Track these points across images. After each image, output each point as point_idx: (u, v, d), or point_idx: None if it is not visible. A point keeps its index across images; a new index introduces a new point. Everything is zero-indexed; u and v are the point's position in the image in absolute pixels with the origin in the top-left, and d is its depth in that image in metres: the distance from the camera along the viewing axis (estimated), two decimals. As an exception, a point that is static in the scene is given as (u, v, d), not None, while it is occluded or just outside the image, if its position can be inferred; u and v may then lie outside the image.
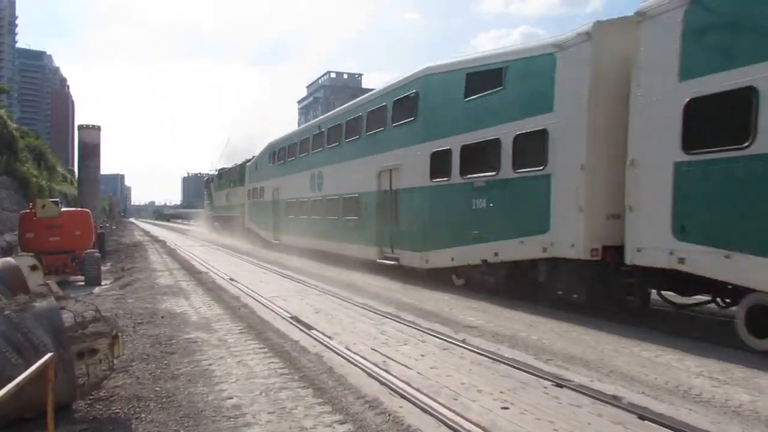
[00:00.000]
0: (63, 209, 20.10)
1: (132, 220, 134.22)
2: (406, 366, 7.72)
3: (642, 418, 5.78)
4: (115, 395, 6.50)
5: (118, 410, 6.08)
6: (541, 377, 7.16)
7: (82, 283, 17.33)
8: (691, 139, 8.96)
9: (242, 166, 42.02)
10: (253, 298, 13.71)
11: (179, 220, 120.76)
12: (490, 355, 8.21)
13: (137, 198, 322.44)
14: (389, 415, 5.86)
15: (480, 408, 6.09)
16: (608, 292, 10.99)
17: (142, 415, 5.94)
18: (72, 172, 74.67)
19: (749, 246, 8.18)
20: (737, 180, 8.37)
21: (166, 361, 8.01)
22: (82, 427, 5.65)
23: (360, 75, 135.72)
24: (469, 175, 14.17)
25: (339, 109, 25.17)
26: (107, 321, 6.50)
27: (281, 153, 30.81)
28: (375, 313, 11.74)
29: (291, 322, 10.74)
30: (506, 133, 12.79)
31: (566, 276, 11.46)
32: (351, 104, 23.00)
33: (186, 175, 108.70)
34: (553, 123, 11.50)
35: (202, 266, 22.29)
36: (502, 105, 13.04)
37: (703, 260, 8.76)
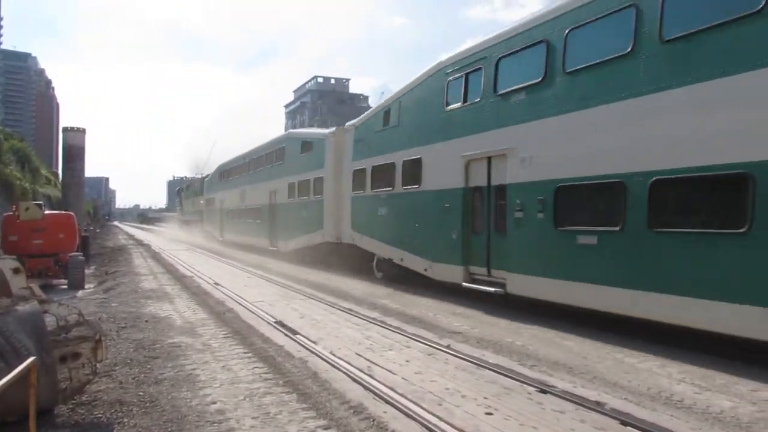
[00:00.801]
0: (46, 212, 19.95)
1: (116, 223, 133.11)
2: (390, 371, 7.73)
3: (624, 423, 5.84)
4: (98, 400, 6.46)
5: (100, 415, 6.04)
6: (525, 383, 7.20)
7: (66, 287, 17.20)
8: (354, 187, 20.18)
9: (202, 180, 53.46)
10: (238, 303, 13.66)
11: (156, 223, 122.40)
12: (475, 361, 8.25)
13: (122, 201, 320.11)
14: (373, 421, 5.87)
15: (464, 413, 6.12)
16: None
17: (125, 420, 5.90)
18: (56, 174, 74.02)
19: None
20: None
21: (149, 366, 7.97)
22: (64, 431, 5.61)
23: (347, 80, 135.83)
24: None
25: (256, 147, 34.74)
26: (90, 325, 6.47)
27: (225, 174, 42.24)
28: (360, 318, 11.74)
29: (276, 327, 10.72)
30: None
31: None
32: (260, 146, 33.73)
33: (171, 178, 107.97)
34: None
35: (187, 270, 22.16)
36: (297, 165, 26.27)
37: None
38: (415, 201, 15.94)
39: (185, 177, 72.58)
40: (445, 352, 8.85)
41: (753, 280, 7.76)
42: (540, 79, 11.49)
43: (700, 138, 8.54)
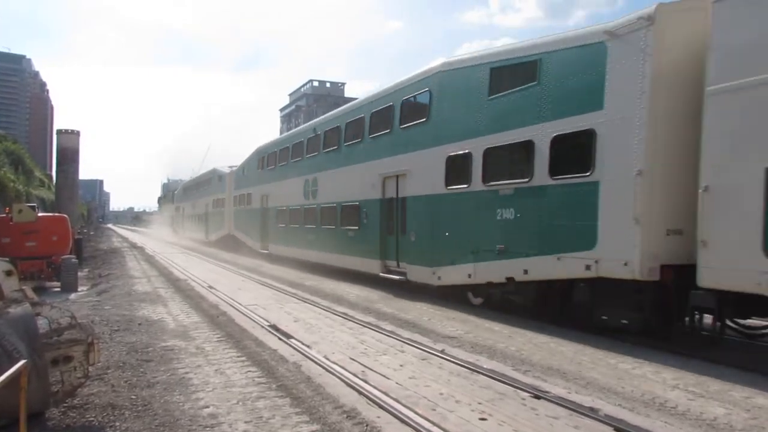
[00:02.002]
0: (40, 214, 19.86)
1: (110, 226, 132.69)
2: (384, 376, 7.71)
3: (618, 430, 5.83)
4: (90, 403, 6.41)
5: (92, 418, 6.00)
6: (519, 388, 7.18)
7: (59, 289, 17.12)
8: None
9: (172, 192, 73.29)
10: (232, 306, 13.62)
11: (145, 224, 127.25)
12: (469, 366, 8.23)
13: (116, 204, 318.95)
14: (367, 426, 5.85)
15: (458, 419, 6.10)
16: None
17: (117, 424, 5.87)
18: (50, 176, 73.78)
19: None
20: None
21: (142, 369, 7.93)
22: (54, 435, 5.57)
23: (343, 84, 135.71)
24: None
25: (195, 177, 51.70)
26: (83, 328, 6.42)
27: (188, 186, 55.12)
28: (354, 322, 11.72)
29: (270, 331, 10.68)
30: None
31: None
32: (200, 175, 49.67)
33: (166, 180, 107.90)
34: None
35: (181, 273, 22.09)
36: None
37: None
38: (251, 213, 26.49)
39: (180, 180, 72.97)
40: (440, 356, 8.84)
41: None
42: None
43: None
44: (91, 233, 58.17)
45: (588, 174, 10.18)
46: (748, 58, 8.00)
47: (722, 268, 8.25)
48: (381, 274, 17.19)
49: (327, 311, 13.12)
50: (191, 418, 6.06)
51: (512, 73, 12.33)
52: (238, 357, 8.75)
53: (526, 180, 11.58)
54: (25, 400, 4.43)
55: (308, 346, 9.41)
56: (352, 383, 7.31)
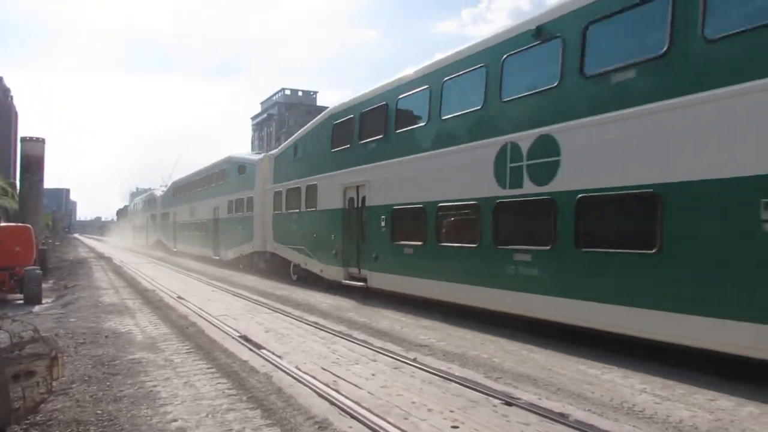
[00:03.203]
0: (2, 224, 19.37)
1: (77, 235, 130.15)
2: (356, 385, 7.67)
3: (588, 435, 5.89)
4: (53, 419, 6.24)
5: (55, 435, 5.85)
6: (490, 395, 7.21)
7: (22, 302, 16.65)
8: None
9: (125, 207, 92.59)
10: (202, 317, 13.43)
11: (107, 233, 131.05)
12: (441, 374, 8.24)
13: (83, 213, 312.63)
14: (339, 436, 5.80)
15: (430, 427, 6.09)
16: None
17: (82, 440, 5.72)
18: (14, 185, 72.09)
19: None
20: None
21: (108, 383, 7.75)
22: (16, 453, 5.41)
23: (315, 92, 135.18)
24: None
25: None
26: (46, 341, 6.27)
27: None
28: (326, 331, 11.65)
29: (240, 342, 10.56)
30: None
31: None
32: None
33: (135, 190, 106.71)
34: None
35: (150, 284, 21.74)
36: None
37: None
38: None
39: (150, 188, 72.42)
40: (412, 365, 8.83)
41: None
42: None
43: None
44: (57, 243, 57.01)
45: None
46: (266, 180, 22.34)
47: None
48: None
49: (298, 321, 13.03)
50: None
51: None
52: (207, 369, 8.62)
53: None
54: (-15, 418, 4.30)
55: (279, 357, 9.32)
56: (323, 393, 7.25)
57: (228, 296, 18.01)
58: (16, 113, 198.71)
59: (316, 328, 12.09)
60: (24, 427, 5.98)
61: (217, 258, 33.24)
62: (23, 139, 49.86)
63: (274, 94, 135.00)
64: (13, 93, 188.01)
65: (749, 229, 7.42)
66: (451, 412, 6.59)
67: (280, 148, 26.33)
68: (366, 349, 10.03)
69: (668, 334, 8.37)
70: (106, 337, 10.96)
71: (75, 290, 19.83)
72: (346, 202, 18.14)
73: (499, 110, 11.81)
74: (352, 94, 19.22)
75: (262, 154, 29.02)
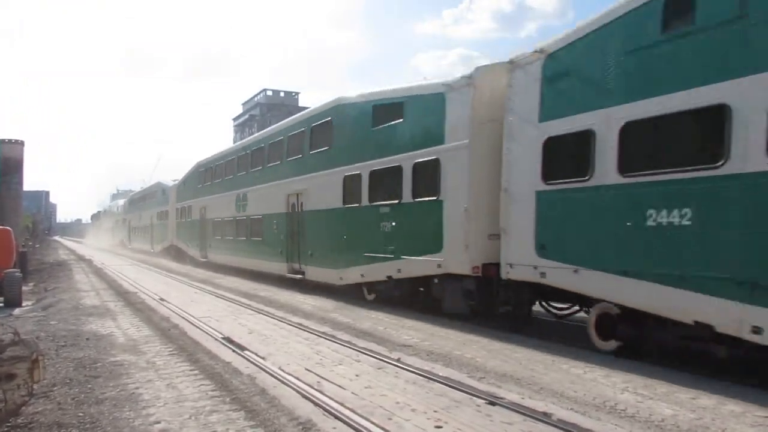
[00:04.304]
0: (-19, 227, 19.09)
1: (57, 238, 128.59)
2: (340, 386, 7.67)
3: (570, 433, 5.94)
4: (34, 422, 6.17)
5: (36, 438, 5.78)
6: (474, 395, 7.24)
7: (1, 305, 16.45)
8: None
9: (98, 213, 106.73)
10: (184, 319, 13.35)
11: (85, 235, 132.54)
12: (425, 374, 8.26)
13: (63, 215, 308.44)
14: (323, 437, 5.80)
15: (413, 427, 6.11)
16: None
17: (63, 443, 5.67)
18: (-8, 187, 71.01)
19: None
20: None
21: (90, 385, 7.68)
22: (-4, 457, 5.35)
23: (297, 93, 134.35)
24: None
25: (141, 190, 57.98)
26: (27, 344, 6.22)
27: (133, 199, 60.23)
28: (310, 332, 11.63)
29: (223, 343, 10.51)
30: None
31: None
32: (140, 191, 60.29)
33: (116, 191, 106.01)
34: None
35: (131, 286, 21.56)
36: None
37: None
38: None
39: (131, 190, 72.40)
40: (396, 365, 8.84)
41: None
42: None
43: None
44: (37, 246, 56.32)
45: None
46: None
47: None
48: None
49: (282, 322, 13.00)
50: (141, 434, 5.91)
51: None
52: (190, 370, 8.57)
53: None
54: (-36, 421, 4.25)
55: (263, 358, 9.29)
56: (307, 394, 7.25)
57: (211, 298, 17.92)
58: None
59: (300, 329, 12.06)
60: (5, 429, 5.91)
61: (152, 250, 46.81)
62: (1, 142, 49.17)
63: (256, 95, 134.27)
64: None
65: None
66: (435, 412, 6.62)
67: (179, 180, 38.73)
68: (350, 349, 10.03)
69: None
70: (88, 339, 10.86)
71: (55, 293, 19.62)
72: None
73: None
74: (333, 94, 19.86)
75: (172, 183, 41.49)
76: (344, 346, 10.33)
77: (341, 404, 6.84)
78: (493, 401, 6.98)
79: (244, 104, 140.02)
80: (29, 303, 17.18)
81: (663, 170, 8.40)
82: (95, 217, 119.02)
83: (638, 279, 8.67)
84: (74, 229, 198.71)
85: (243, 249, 25.69)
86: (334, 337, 11.14)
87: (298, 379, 7.99)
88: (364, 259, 15.65)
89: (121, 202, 70.64)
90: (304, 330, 11.93)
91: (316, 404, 6.87)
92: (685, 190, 8.08)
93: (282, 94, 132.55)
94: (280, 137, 22.43)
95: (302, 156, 20.09)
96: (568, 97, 10.15)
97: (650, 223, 8.46)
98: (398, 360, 9.16)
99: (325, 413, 6.55)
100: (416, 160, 13.59)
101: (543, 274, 10.37)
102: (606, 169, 9.24)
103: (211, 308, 15.28)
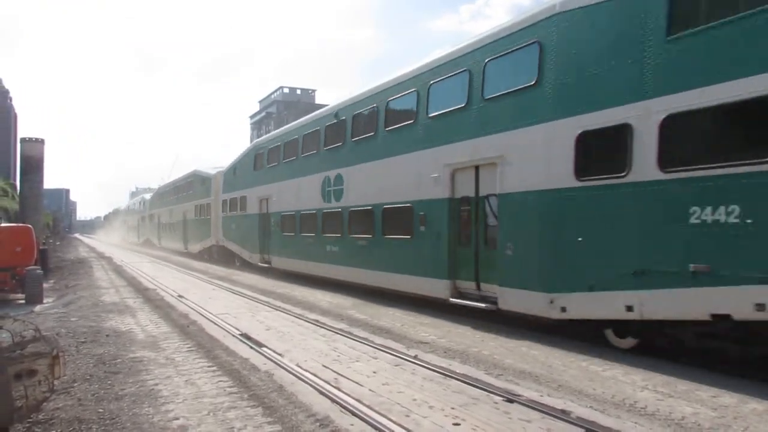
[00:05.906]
0: (3, 225, 19.37)
1: (77, 235, 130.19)
2: (357, 383, 7.67)
3: (589, 431, 5.88)
4: (55, 418, 6.25)
5: (57, 433, 5.85)
6: (492, 392, 7.21)
7: (23, 302, 16.66)
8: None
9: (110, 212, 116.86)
10: (203, 315, 13.44)
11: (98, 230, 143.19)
12: (442, 371, 8.23)
13: (83, 213, 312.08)
14: (340, 434, 5.80)
15: (431, 424, 6.09)
16: None
17: (84, 438, 5.73)
18: (14, 186, 71.96)
19: None
20: None
21: (109, 382, 7.76)
22: (18, 452, 5.41)
23: (313, 90, 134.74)
24: None
25: (171, 181, 52.90)
26: (48, 341, 6.27)
27: (162, 192, 55.70)
28: (327, 329, 11.65)
29: (241, 340, 10.56)
30: None
31: None
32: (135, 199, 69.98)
33: (134, 189, 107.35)
34: None
35: (150, 283, 21.74)
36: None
37: None
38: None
39: (149, 188, 72.75)
40: (413, 362, 8.83)
41: None
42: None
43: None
44: (57, 243, 57.02)
45: None
46: None
47: None
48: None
49: (299, 319, 13.03)
50: (161, 429, 5.95)
51: None
52: (208, 367, 8.62)
53: None
54: (-13, 417, 4.30)
55: (280, 355, 9.32)
56: (324, 391, 7.26)
57: (228, 294, 18.01)
58: (15, 115, 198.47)
59: (317, 325, 12.09)
60: (26, 425, 5.98)
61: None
62: (23, 140, 49.82)
63: (273, 93, 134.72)
64: (12, 95, 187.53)
65: None
66: (453, 409, 6.60)
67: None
68: (367, 346, 10.03)
69: None
70: (107, 336, 10.97)
71: (76, 290, 19.84)
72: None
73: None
74: (350, 92, 19.06)
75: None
76: (361, 342, 10.33)
77: (358, 401, 6.84)
78: (511, 398, 6.94)
79: (261, 102, 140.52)
80: (50, 300, 17.38)
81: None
82: (107, 217, 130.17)
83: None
84: (93, 226, 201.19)
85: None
86: (351, 333, 11.15)
87: (315, 375, 8.01)
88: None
89: (147, 196, 64.63)
90: (322, 327, 11.95)
91: (333, 401, 6.88)
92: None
93: (299, 92, 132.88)
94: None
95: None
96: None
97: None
98: (415, 357, 9.15)
99: (343, 410, 6.56)
100: None
101: None
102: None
103: (228, 305, 15.36)
